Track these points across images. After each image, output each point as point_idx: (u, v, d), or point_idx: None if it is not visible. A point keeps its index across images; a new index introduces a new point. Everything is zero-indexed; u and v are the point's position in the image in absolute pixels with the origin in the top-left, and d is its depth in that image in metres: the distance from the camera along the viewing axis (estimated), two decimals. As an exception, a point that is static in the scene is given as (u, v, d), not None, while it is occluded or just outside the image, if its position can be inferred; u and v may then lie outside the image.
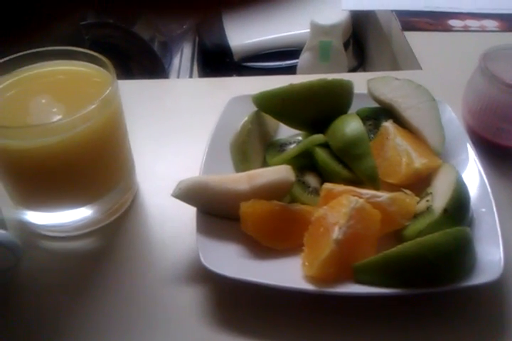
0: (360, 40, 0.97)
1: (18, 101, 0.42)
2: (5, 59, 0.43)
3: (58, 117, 0.40)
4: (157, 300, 0.41)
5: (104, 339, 0.39)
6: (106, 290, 0.42)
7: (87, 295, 0.42)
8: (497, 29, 0.71)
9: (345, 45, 0.89)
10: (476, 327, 0.39)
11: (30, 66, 0.44)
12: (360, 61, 0.95)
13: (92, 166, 0.42)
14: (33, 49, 0.44)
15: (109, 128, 0.42)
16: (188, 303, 0.41)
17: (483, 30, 0.71)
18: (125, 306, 0.41)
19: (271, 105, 0.50)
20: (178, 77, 1.04)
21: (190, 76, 1.04)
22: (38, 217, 0.44)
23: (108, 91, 0.40)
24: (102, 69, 0.44)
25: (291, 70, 0.82)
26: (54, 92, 0.42)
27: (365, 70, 0.94)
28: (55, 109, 0.41)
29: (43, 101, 0.41)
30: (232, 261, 0.41)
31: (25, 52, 0.43)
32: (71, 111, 0.40)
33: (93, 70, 0.44)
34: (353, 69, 0.92)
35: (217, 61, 0.97)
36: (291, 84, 0.49)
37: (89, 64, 0.44)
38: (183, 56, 1.09)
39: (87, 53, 0.44)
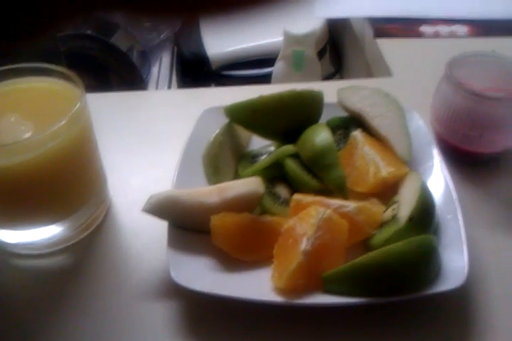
0: (337, 46, 0.98)
1: (-15, 120, 0.42)
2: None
3: (27, 135, 0.40)
4: (130, 315, 0.42)
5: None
6: (78, 307, 0.42)
7: (59, 312, 0.42)
8: (467, 34, 0.73)
9: (322, 52, 0.90)
10: (442, 334, 0.40)
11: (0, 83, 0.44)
12: (337, 68, 0.96)
13: (62, 183, 0.42)
14: (5, 64, 0.45)
15: (79, 144, 0.43)
16: (160, 318, 0.41)
17: (453, 36, 0.72)
18: (97, 322, 0.41)
19: (242, 117, 0.50)
20: (156, 86, 1.04)
21: (169, 85, 1.05)
22: (9, 236, 0.44)
23: (76, 107, 0.41)
24: (73, 85, 0.44)
25: (268, 78, 0.83)
26: (23, 110, 0.43)
27: (342, 77, 0.95)
28: (23, 127, 0.41)
29: (12, 119, 0.42)
30: (202, 275, 0.41)
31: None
32: (40, 129, 0.40)
33: (62, 86, 0.44)
34: (330, 76, 0.93)
35: (196, 70, 0.97)
36: (261, 96, 0.49)
37: (59, 80, 0.44)
38: (162, 65, 1.09)
39: (57, 70, 0.44)
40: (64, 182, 0.43)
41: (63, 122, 0.39)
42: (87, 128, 0.43)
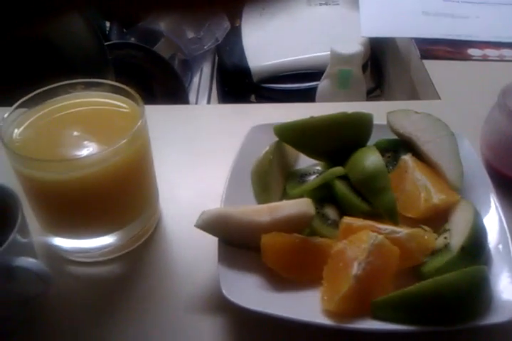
0: (379, 62, 0.98)
1: (49, 133, 0.43)
2: (35, 92, 0.44)
3: (89, 150, 0.41)
4: (177, 327, 0.42)
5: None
6: (128, 315, 0.43)
7: (109, 321, 0.43)
8: (516, 59, 0.72)
9: (363, 67, 0.90)
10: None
11: (59, 97, 0.46)
12: (378, 83, 0.96)
13: (119, 196, 0.44)
14: (61, 77, 0.46)
15: (138, 160, 0.44)
16: (206, 332, 0.42)
17: (502, 59, 0.72)
18: (146, 332, 0.42)
19: (292, 136, 0.51)
20: (197, 96, 1.06)
21: (209, 95, 1.06)
22: (65, 243, 0.46)
23: (138, 124, 0.42)
24: (129, 100, 0.45)
25: (309, 92, 0.84)
26: (84, 124, 0.44)
27: (382, 92, 0.95)
28: (85, 142, 0.42)
29: (74, 133, 0.43)
30: (252, 292, 0.42)
31: (54, 85, 0.45)
32: (101, 144, 0.41)
33: (121, 101, 0.46)
34: (371, 91, 0.93)
35: (237, 81, 0.98)
36: (311, 117, 0.50)
37: (117, 95, 0.46)
38: (203, 76, 1.11)
39: (115, 85, 0.46)
40: (121, 196, 0.44)
41: (125, 140, 0.40)
42: (145, 145, 0.45)
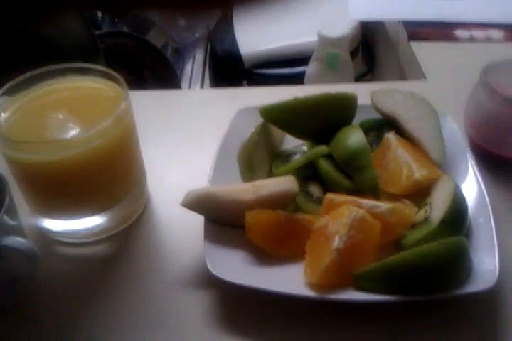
0: (370, 47, 0.98)
1: (36, 117, 0.44)
2: (23, 76, 0.45)
3: (74, 132, 0.42)
4: (165, 304, 0.43)
5: (116, 341, 0.41)
6: (116, 294, 0.44)
7: (99, 299, 0.44)
8: (503, 40, 0.73)
9: (355, 52, 0.91)
10: (470, 335, 0.41)
11: (46, 82, 0.46)
12: (369, 68, 0.97)
13: (106, 177, 0.45)
14: (51, 64, 0.47)
15: (123, 141, 0.45)
16: (194, 308, 0.43)
17: (488, 40, 0.72)
18: (134, 310, 0.43)
19: (277, 117, 0.52)
20: (190, 83, 1.06)
21: (202, 82, 1.07)
22: (55, 224, 0.47)
23: (122, 106, 0.43)
24: (115, 84, 0.46)
25: (300, 77, 0.84)
26: (70, 107, 0.45)
27: (373, 77, 0.96)
28: (71, 124, 0.43)
29: (60, 116, 0.44)
30: (237, 268, 0.43)
31: (42, 69, 0.46)
32: (86, 126, 0.42)
33: (106, 86, 0.46)
34: (362, 75, 0.94)
35: (228, 68, 0.99)
36: (296, 98, 0.51)
37: (103, 79, 0.46)
38: (195, 63, 1.11)
39: (100, 69, 0.46)
40: (107, 177, 0.45)
41: (109, 121, 0.41)
42: (130, 126, 0.45)
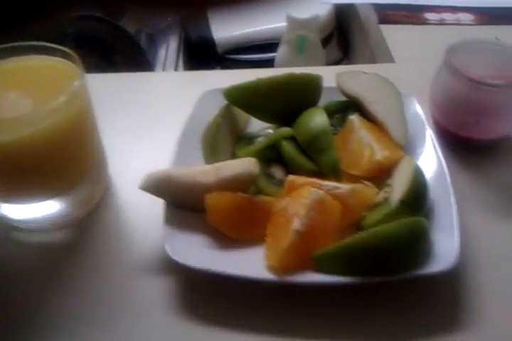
0: (345, 32, 0.97)
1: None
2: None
3: (26, 111, 0.41)
4: (126, 290, 0.43)
5: (75, 330, 0.40)
6: (77, 282, 0.43)
7: (58, 286, 0.43)
8: (472, 22, 0.72)
9: (329, 38, 0.90)
10: (430, 315, 0.41)
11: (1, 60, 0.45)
12: (345, 54, 0.96)
13: (59, 158, 0.43)
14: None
15: (77, 121, 0.43)
16: (155, 293, 0.42)
17: (458, 23, 0.72)
18: (95, 297, 0.42)
19: (240, 99, 0.51)
20: (163, 69, 1.05)
21: (176, 68, 1.05)
22: (12, 211, 0.45)
23: (75, 84, 0.41)
24: (71, 63, 0.45)
25: (273, 62, 0.83)
26: (22, 87, 0.43)
27: (349, 62, 0.95)
28: (22, 103, 0.42)
29: (11, 95, 0.42)
30: (197, 252, 0.42)
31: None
32: (39, 105, 0.41)
33: (62, 65, 0.45)
34: (337, 62, 0.93)
35: (202, 53, 0.98)
36: (258, 79, 0.50)
37: (59, 59, 0.45)
38: (169, 49, 1.09)
39: (55, 48, 0.45)
40: (61, 158, 0.43)
41: (61, 99, 0.40)
42: (86, 106, 0.44)
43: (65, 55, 0.45)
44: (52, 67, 0.45)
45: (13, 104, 0.41)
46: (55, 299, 0.42)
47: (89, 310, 0.42)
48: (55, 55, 0.45)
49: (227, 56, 0.94)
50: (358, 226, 0.43)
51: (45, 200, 0.44)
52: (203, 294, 0.42)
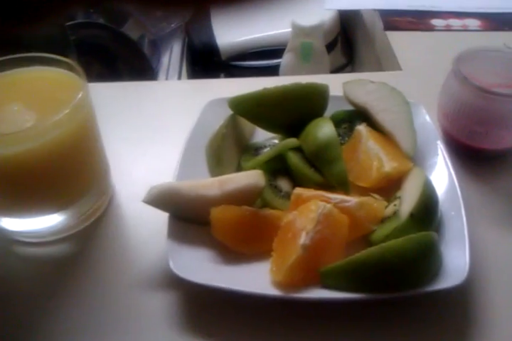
0: (349, 38, 0.97)
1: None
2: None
3: (29, 125, 0.40)
4: (129, 305, 0.42)
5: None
6: (79, 295, 0.42)
7: (59, 300, 0.42)
8: (479, 28, 0.71)
9: (333, 44, 0.89)
10: (441, 332, 0.40)
11: (4, 72, 0.44)
12: (349, 60, 0.95)
13: (64, 172, 0.43)
14: (15, 53, 0.45)
15: (81, 134, 0.43)
16: (158, 309, 0.41)
17: (465, 29, 0.71)
18: (97, 311, 0.41)
19: (246, 109, 0.50)
20: (166, 75, 1.04)
21: (179, 75, 1.05)
22: (12, 223, 0.45)
23: (78, 97, 0.41)
24: (74, 74, 0.44)
25: (278, 69, 0.83)
26: (26, 99, 0.43)
27: (353, 69, 0.94)
28: (26, 117, 0.41)
29: (15, 108, 0.42)
30: (201, 267, 0.41)
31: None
32: (43, 118, 0.40)
33: (65, 76, 0.44)
34: (341, 68, 0.92)
35: (205, 60, 0.97)
36: (265, 88, 0.49)
37: (62, 70, 0.44)
38: (173, 55, 1.09)
39: (58, 59, 0.44)
40: (65, 172, 0.43)
41: (65, 112, 0.39)
42: (89, 118, 0.43)
43: (68, 66, 0.44)
44: (56, 79, 0.44)
45: (17, 117, 0.41)
46: (56, 312, 0.41)
47: (91, 324, 0.41)
48: (58, 67, 0.44)
49: (231, 63, 0.94)
50: (366, 240, 0.42)
51: (47, 214, 0.44)
52: (208, 309, 0.41)
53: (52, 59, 0.44)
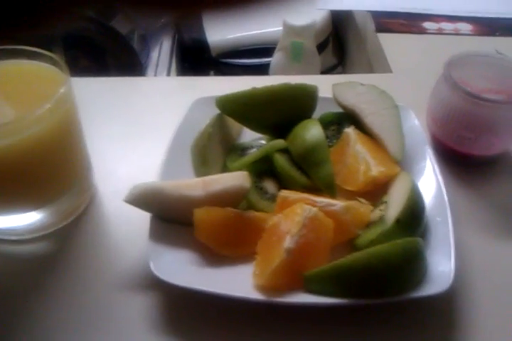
0: (340, 39, 0.96)
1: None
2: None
3: (9, 119, 0.39)
4: (107, 306, 0.41)
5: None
6: (57, 295, 0.41)
7: (37, 299, 0.41)
8: (471, 33, 0.71)
9: (324, 44, 0.89)
10: (425, 338, 0.39)
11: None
12: (339, 60, 0.95)
13: (44, 169, 0.41)
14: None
15: (62, 130, 0.42)
16: (137, 310, 0.40)
17: (456, 33, 0.71)
18: (75, 311, 0.40)
19: (233, 108, 0.49)
20: (155, 71, 1.03)
21: (169, 71, 1.03)
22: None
23: (60, 91, 0.40)
24: (57, 68, 0.43)
25: (268, 68, 0.82)
26: (5, 93, 0.41)
27: (344, 70, 0.94)
28: (6, 111, 0.40)
29: (-5, 103, 0.41)
30: (183, 269, 0.40)
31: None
32: (23, 113, 0.39)
33: (48, 70, 0.43)
34: (332, 69, 0.92)
35: (196, 56, 0.96)
36: (253, 88, 0.48)
37: (44, 63, 0.43)
38: (162, 51, 1.07)
39: (41, 53, 0.43)
40: (46, 169, 0.42)
41: (46, 107, 0.38)
42: (71, 114, 0.42)
43: (50, 60, 0.43)
44: (36, 73, 0.43)
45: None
46: (32, 314, 0.40)
47: (70, 322, 0.40)
48: (39, 60, 0.43)
49: (221, 60, 0.93)
50: (351, 244, 0.41)
51: (26, 212, 0.42)
52: (189, 312, 0.41)
53: (35, 52, 0.43)
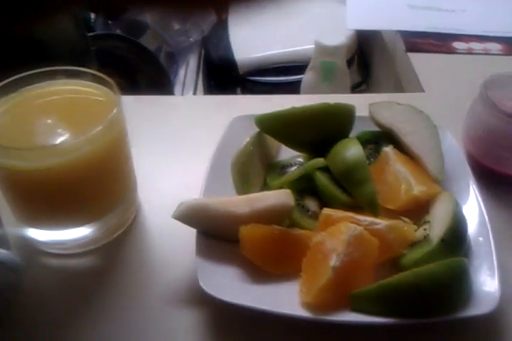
0: (365, 56, 0.97)
1: (24, 121, 0.42)
2: (12, 78, 0.43)
3: (63, 138, 0.40)
4: (154, 321, 0.42)
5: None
6: (103, 309, 0.42)
7: (85, 313, 0.42)
8: (500, 52, 0.72)
9: (350, 62, 0.90)
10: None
11: (36, 85, 0.44)
12: (364, 78, 0.96)
13: (95, 186, 0.43)
14: (41, 66, 0.45)
15: (113, 149, 0.43)
16: (184, 325, 0.41)
17: (486, 53, 0.72)
18: (122, 326, 0.41)
19: (273, 127, 0.50)
20: (182, 88, 1.05)
21: (195, 88, 1.05)
22: (40, 234, 0.45)
23: (113, 112, 0.41)
24: (107, 89, 0.44)
25: (296, 86, 0.83)
26: (59, 112, 0.43)
27: (368, 87, 0.95)
28: (60, 130, 0.41)
29: (49, 121, 0.42)
30: (230, 285, 0.41)
31: (31, 72, 0.44)
32: (76, 132, 0.40)
33: (98, 90, 0.44)
34: (357, 86, 0.93)
35: (223, 74, 0.97)
36: (293, 108, 0.49)
37: (95, 84, 0.45)
38: (189, 68, 1.09)
39: (92, 73, 0.44)
40: (96, 186, 0.43)
41: (100, 127, 0.40)
42: (122, 133, 0.44)
43: (99, 79, 0.44)
44: (87, 92, 0.45)
45: (51, 131, 0.41)
46: (81, 327, 0.41)
47: (117, 338, 0.40)
48: (88, 79, 0.45)
49: (248, 78, 0.94)
50: (395, 263, 0.42)
51: (76, 227, 0.44)
52: (235, 328, 0.41)
53: (83, 72, 0.45)
